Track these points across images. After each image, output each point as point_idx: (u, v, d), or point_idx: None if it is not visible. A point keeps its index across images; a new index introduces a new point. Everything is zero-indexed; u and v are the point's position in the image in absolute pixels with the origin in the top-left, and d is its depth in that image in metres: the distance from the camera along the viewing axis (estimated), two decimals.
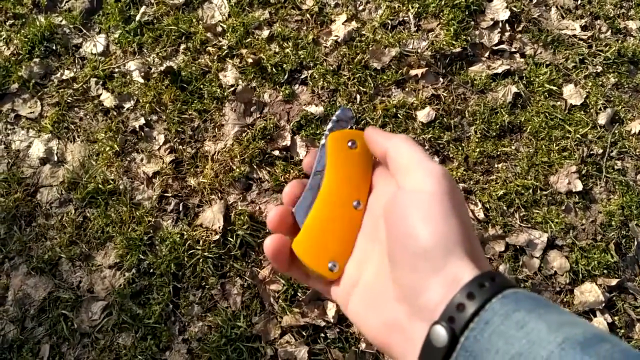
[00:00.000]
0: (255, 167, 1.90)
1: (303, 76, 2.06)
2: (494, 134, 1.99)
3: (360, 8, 2.21)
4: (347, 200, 0.52)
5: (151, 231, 1.80)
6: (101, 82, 2.03)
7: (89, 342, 1.68)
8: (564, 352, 0.32)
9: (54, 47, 2.09)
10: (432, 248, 0.40)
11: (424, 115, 1.99)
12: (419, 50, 2.11)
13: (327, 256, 0.50)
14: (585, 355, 0.31)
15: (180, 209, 1.84)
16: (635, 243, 1.87)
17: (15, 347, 1.66)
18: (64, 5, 2.18)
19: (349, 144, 0.54)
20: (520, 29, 2.20)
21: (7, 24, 2.15)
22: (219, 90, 2.01)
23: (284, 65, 2.05)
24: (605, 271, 1.82)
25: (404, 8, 2.20)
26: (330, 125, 0.57)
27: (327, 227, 0.51)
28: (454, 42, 2.11)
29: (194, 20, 2.14)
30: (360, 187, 0.53)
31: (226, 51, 2.08)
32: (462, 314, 0.36)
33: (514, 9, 2.22)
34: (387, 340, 0.43)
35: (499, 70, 2.10)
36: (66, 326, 1.68)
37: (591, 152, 2.00)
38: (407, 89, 2.05)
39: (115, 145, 1.90)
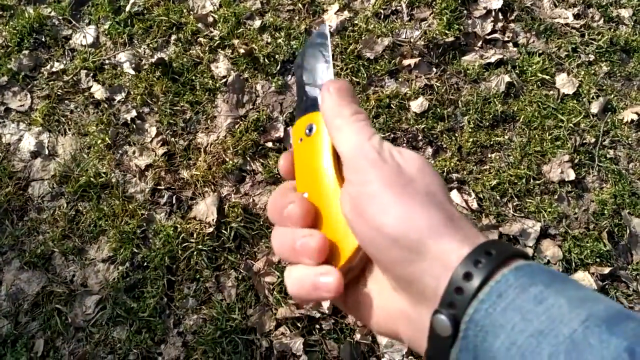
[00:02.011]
0: (248, 159, 1.89)
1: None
2: (487, 123, 1.99)
3: None
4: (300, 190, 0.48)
5: (144, 224, 1.80)
6: (91, 74, 2.01)
7: (84, 336, 1.67)
8: (589, 330, 0.30)
9: (43, 39, 2.07)
10: (402, 235, 0.37)
11: (417, 105, 1.99)
12: (412, 40, 2.10)
13: None
14: (611, 335, 0.29)
15: (174, 201, 1.83)
16: (628, 231, 1.88)
17: (9, 342, 1.65)
18: None
19: (306, 130, 0.48)
20: (513, 17, 2.20)
21: None
22: (210, 81, 2.00)
23: (276, 56, 2.04)
24: (597, 260, 1.83)
25: None
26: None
27: None
28: (446, 31, 2.11)
29: (184, 10, 2.12)
30: (309, 179, 0.47)
31: (218, 42, 2.06)
32: (462, 296, 0.34)
33: None
34: (393, 329, 0.41)
35: (492, 60, 2.10)
36: (60, 320, 1.68)
37: (584, 141, 2.00)
38: (400, 79, 2.05)
39: (107, 138, 1.89)
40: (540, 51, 2.14)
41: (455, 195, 1.87)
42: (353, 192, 0.41)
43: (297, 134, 0.49)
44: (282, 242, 0.44)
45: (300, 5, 2.14)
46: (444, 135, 1.97)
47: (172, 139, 1.91)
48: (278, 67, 2.03)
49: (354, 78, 2.02)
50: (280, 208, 0.45)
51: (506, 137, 1.99)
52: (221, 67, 2.03)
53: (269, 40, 2.08)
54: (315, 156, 0.47)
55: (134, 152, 1.90)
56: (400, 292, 0.40)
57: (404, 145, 1.92)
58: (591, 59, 2.14)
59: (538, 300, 0.32)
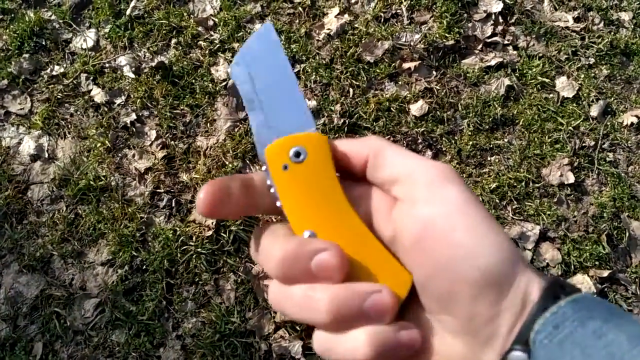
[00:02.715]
0: (248, 162, 1.89)
1: (295, 70, 2.04)
2: (487, 127, 1.99)
3: (353, 1, 2.19)
4: (297, 232, 0.39)
5: (144, 227, 1.80)
6: (92, 78, 2.02)
7: (82, 339, 1.68)
8: None
9: (43, 43, 2.08)
10: (497, 264, 0.33)
11: (417, 108, 1.99)
12: (412, 43, 2.10)
13: None
14: None
15: (173, 205, 1.83)
16: (627, 234, 1.87)
17: (8, 346, 1.66)
18: (53, 0, 2.16)
19: (291, 156, 0.39)
20: (513, 21, 2.20)
21: None
22: (210, 84, 2.00)
23: None
24: (597, 263, 1.83)
25: (397, 1, 2.19)
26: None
27: None
28: (446, 34, 2.11)
29: (185, 14, 2.13)
30: (313, 212, 0.39)
31: (218, 45, 2.07)
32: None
33: (507, 1, 2.21)
34: None
35: (492, 63, 2.09)
36: (59, 324, 1.68)
37: (583, 145, 2.00)
38: (400, 82, 2.05)
39: (107, 141, 1.89)
40: (540, 54, 2.14)
41: None
42: (425, 214, 0.35)
43: (277, 160, 0.39)
44: (318, 303, 0.36)
45: (300, 8, 2.14)
46: (444, 138, 1.96)
47: (172, 142, 1.91)
48: None
49: (354, 81, 2.02)
50: (301, 261, 0.37)
51: (506, 140, 1.99)
52: (221, 70, 2.04)
53: None
54: (319, 186, 0.39)
55: (133, 156, 1.90)
56: (462, 335, 0.35)
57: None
58: (591, 62, 2.14)
59: (597, 335, 0.31)
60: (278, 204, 0.39)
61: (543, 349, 0.32)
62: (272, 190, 0.40)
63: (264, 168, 0.40)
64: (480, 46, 2.14)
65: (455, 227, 0.34)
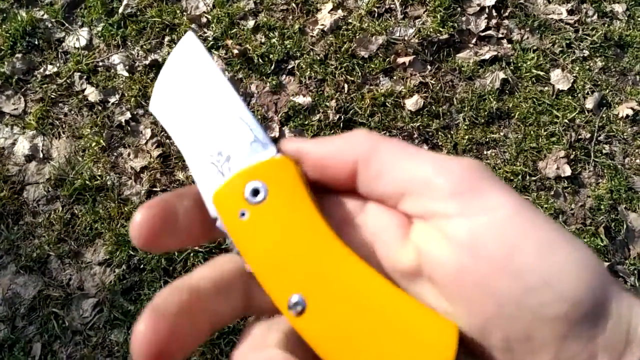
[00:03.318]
0: None
1: (290, 66, 2.04)
2: (483, 120, 1.99)
3: None
4: (280, 302, 0.28)
5: None
6: (85, 77, 2.01)
7: (81, 339, 1.67)
8: None
9: (36, 42, 2.06)
10: (587, 291, 0.24)
11: (412, 103, 1.98)
12: (406, 38, 2.10)
13: None
14: None
15: None
16: (625, 226, 1.88)
17: (6, 347, 1.65)
18: None
19: (247, 195, 0.29)
20: (506, 14, 2.19)
21: None
22: None
23: (271, 56, 2.04)
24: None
25: None
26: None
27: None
28: (440, 29, 2.11)
29: (178, 11, 2.12)
30: (295, 269, 0.28)
31: (211, 42, 2.06)
32: None
33: None
34: None
35: (487, 57, 2.09)
36: (57, 324, 1.67)
37: (579, 137, 2.00)
38: (395, 77, 2.05)
39: (102, 141, 1.88)
40: (535, 47, 2.14)
41: None
42: (466, 233, 0.26)
43: (230, 207, 0.29)
44: None
45: (293, 4, 2.14)
46: (440, 132, 1.96)
47: (167, 140, 1.91)
48: (272, 67, 2.02)
49: (348, 77, 2.01)
50: None
51: (501, 133, 1.99)
52: None
53: (263, 40, 2.08)
54: (294, 229, 0.29)
55: (129, 155, 1.89)
56: None
57: None
58: (585, 55, 2.14)
59: None
60: (247, 268, 0.29)
61: None
62: (234, 252, 0.30)
63: (218, 224, 0.30)
64: (474, 40, 2.14)
65: (516, 246, 0.25)
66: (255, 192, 0.29)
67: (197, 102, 0.32)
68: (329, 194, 0.31)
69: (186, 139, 0.32)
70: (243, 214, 0.29)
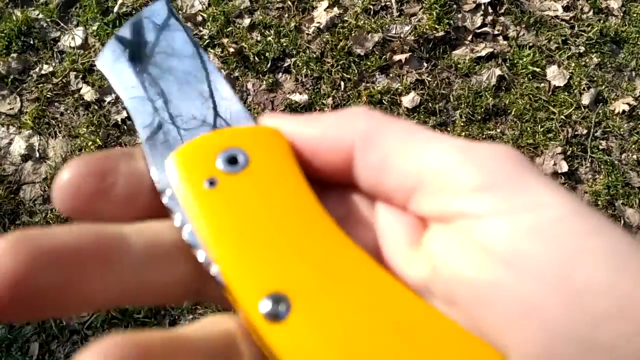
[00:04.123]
0: None
1: (286, 64, 2.04)
2: (479, 117, 1.99)
3: None
4: (251, 305, 0.20)
5: None
6: (81, 76, 2.00)
7: (79, 338, 1.66)
8: None
9: (31, 42, 2.06)
10: None
11: (408, 100, 1.98)
12: (402, 35, 2.10)
13: None
14: None
15: None
16: (622, 222, 1.88)
17: (4, 346, 1.64)
18: None
19: (221, 162, 0.23)
20: (502, 11, 2.20)
21: None
22: None
23: (267, 54, 2.03)
24: None
25: None
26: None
27: None
28: (437, 26, 2.11)
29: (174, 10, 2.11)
30: (276, 256, 0.20)
31: (207, 41, 2.06)
32: None
33: None
34: None
35: (483, 54, 2.09)
36: (55, 324, 1.67)
37: (576, 133, 2.00)
38: (391, 75, 2.04)
39: (98, 140, 1.88)
40: (531, 44, 2.14)
41: None
42: (506, 241, 0.19)
43: (194, 174, 0.22)
44: None
45: (289, 2, 2.13)
46: (437, 129, 1.96)
47: None
48: (268, 65, 2.02)
49: (345, 74, 2.01)
50: None
51: (498, 130, 1.99)
52: None
53: (259, 38, 2.07)
54: (279, 206, 0.22)
55: None
56: None
57: None
58: (581, 51, 2.15)
59: None
60: (201, 257, 0.21)
61: None
62: (184, 234, 0.21)
63: (164, 199, 0.22)
64: (470, 37, 2.14)
65: (575, 258, 0.18)
66: (232, 160, 0.23)
67: (160, 64, 0.27)
68: (327, 189, 0.24)
69: (138, 98, 0.25)
70: (212, 183, 0.22)
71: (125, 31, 0.28)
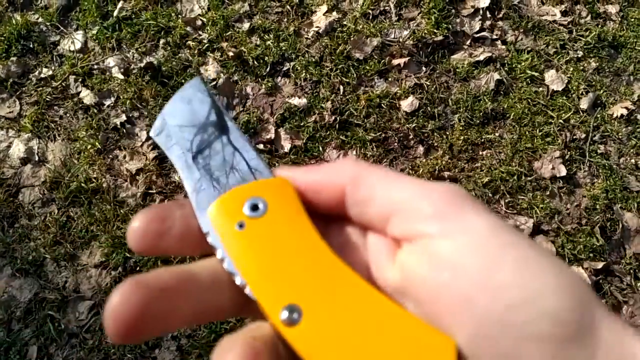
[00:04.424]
0: None
1: (285, 68, 2.04)
2: (478, 121, 1.99)
3: None
4: (273, 312, 0.28)
5: None
6: (80, 80, 2.01)
7: (77, 342, 1.66)
8: None
9: (31, 45, 2.06)
10: (571, 311, 0.24)
11: (407, 104, 1.99)
12: (401, 40, 2.10)
13: None
14: None
15: None
16: (620, 226, 1.88)
17: (2, 350, 1.64)
18: (40, 2, 2.15)
19: (247, 209, 0.31)
20: (500, 15, 2.20)
21: None
22: None
23: (266, 58, 2.04)
24: (591, 255, 1.83)
25: None
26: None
27: None
28: (435, 30, 2.11)
29: (172, 14, 2.12)
30: (291, 277, 0.29)
31: (207, 45, 2.06)
32: None
33: None
34: None
35: (481, 58, 2.10)
36: (53, 327, 1.67)
37: (574, 137, 2.01)
38: (390, 79, 2.05)
39: (97, 143, 1.88)
40: (529, 48, 2.15)
41: None
42: (446, 253, 0.27)
43: (228, 219, 0.31)
44: None
45: (288, 7, 2.14)
46: (435, 133, 1.97)
47: None
48: (267, 69, 2.02)
49: (343, 78, 2.02)
50: None
51: (497, 134, 1.99)
52: (210, 70, 2.03)
53: (258, 42, 2.08)
54: (291, 241, 0.30)
55: (124, 157, 1.89)
56: None
57: (396, 144, 1.93)
58: (580, 55, 2.15)
59: None
60: (238, 281, 0.29)
61: None
62: (225, 264, 0.30)
63: (209, 239, 0.31)
64: (469, 41, 2.15)
65: (494, 263, 0.25)
66: (255, 207, 0.31)
67: (199, 130, 0.35)
68: (330, 222, 0.33)
69: (183, 158, 0.34)
70: (241, 226, 0.30)
71: (171, 107, 0.36)
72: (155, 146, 1.89)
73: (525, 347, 0.24)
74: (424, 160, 1.90)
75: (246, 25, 2.11)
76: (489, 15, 2.20)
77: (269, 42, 2.07)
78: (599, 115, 2.05)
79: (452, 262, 0.26)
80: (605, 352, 0.24)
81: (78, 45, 2.07)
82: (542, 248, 0.27)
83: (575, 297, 0.24)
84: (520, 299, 0.24)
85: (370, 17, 2.16)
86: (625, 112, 2.04)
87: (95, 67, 2.03)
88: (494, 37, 2.17)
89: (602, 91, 2.09)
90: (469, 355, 0.25)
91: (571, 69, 2.12)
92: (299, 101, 1.97)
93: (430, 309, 0.27)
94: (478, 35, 2.16)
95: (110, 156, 1.89)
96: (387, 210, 0.30)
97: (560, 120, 2.01)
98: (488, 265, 0.25)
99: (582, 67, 2.13)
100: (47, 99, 1.97)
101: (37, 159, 1.89)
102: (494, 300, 0.25)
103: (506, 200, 1.89)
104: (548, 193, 1.91)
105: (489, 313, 0.25)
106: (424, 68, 2.08)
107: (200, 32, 2.10)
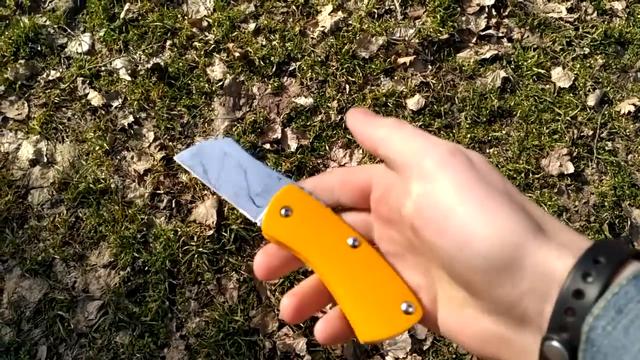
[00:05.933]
0: None
1: (291, 68, 2.05)
2: (484, 119, 1.99)
3: None
4: (339, 243, 0.42)
5: (144, 229, 1.80)
6: (88, 81, 2.02)
7: (86, 341, 1.67)
8: None
9: (39, 48, 2.08)
10: (493, 250, 0.31)
11: (413, 103, 1.99)
12: (407, 38, 2.11)
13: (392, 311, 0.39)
14: None
15: (173, 205, 1.83)
16: (629, 223, 1.88)
17: (12, 350, 1.65)
18: (48, 5, 2.16)
19: (282, 211, 0.43)
20: (506, 13, 2.20)
21: None
22: (207, 85, 2.00)
23: (272, 58, 2.04)
24: None
25: None
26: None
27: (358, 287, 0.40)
28: (441, 28, 2.11)
29: (179, 15, 2.13)
30: (343, 224, 0.43)
31: (213, 46, 2.07)
32: (574, 318, 0.28)
33: None
34: (495, 354, 0.34)
35: (487, 56, 2.10)
36: (63, 327, 1.68)
37: (581, 134, 2.00)
38: (396, 78, 2.05)
39: (105, 144, 1.89)
40: (535, 46, 2.15)
41: None
42: (423, 205, 0.34)
43: (272, 217, 0.44)
44: None
45: (294, 7, 2.15)
46: (442, 132, 1.97)
47: (170, 143, 1.91)
48: (274, 69, 2.03)
49: (349, 78, 2.02)
50: None
51: (504, 132, 1.99)
52: (217, 70, 2.04)
53: (264, 42, 2.09)
54: (320, 222, 0.43)
55: (132, 158, 1.90)
56: (498, 316, 0.33)
57: None
58: (586, 52, 2.15)
59: None
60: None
61: (607, 337, 0.27)
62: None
63: (259, 219, 0.44)
64: (474, 39, 2.15)
65: (453, 208, 0.33)
66: (287, 210, 0.43)
67: (233, 165, 0.47)
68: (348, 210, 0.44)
69: (224, 185, 0.46)
70: (287, 215, 0.43)
71: (202, 145, 0.48)
72: (162, 147, 1.90)
73: (472, 275, 0.32)
74: None
75: (252, 26, 2.11)
76: (494, 13, 2.20)
77: (274, 42, 2.07)
78: (606, 112, 2.05)
79: (426, 204, 0.34)
80: (531, 272, 0.30)
81: (85, 48, 2.09)
82: (497, 194, 0.33)
83: (502, 236, 0.31)
84: (464, 241, 0.32)
85: (376, 16, 2.16)
86: (632, 108, 2.03)
87: (103, 68, 2.04)
88: (500, 34, 2.16)
89: (609, 88, 2.09)
90: (447, 271, 0.35)
91: (578, 66, 2.11)
92: (305, 101, 1.97)
93: (424, 235, 0.35)
94: (484, 33, 2.16)
95: (118, 157, 1.90)
96: (400, 153, 0.37)
97: (568, 118, 2.01)
98: (449, 210, 0.33)
99: (588, 64, 2.12)
100: (55, 101, 1.98)
101: (45, 160, 1.90)
102: (450, 238, 0.32)
103: None
104: (556, 190, 1.91)
105: (446, 248, 0.33)
106: (429, 66, 2.08)
107: (207, 33, 2.11)
